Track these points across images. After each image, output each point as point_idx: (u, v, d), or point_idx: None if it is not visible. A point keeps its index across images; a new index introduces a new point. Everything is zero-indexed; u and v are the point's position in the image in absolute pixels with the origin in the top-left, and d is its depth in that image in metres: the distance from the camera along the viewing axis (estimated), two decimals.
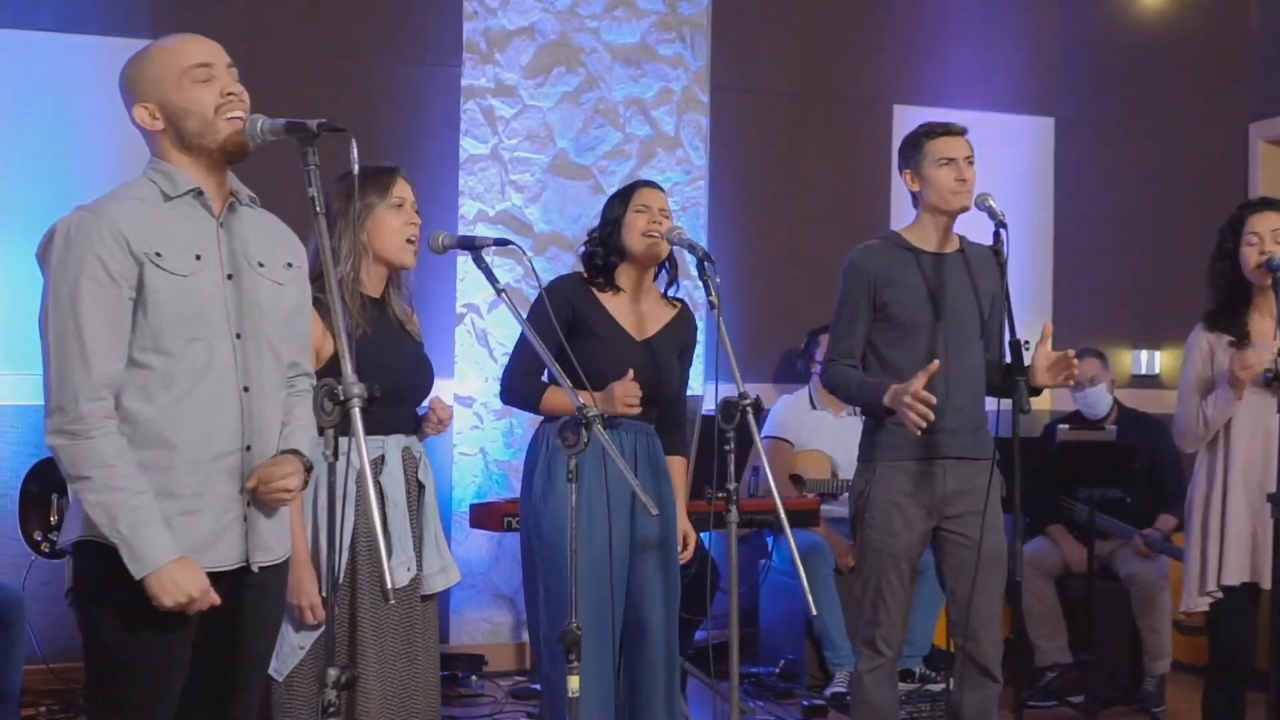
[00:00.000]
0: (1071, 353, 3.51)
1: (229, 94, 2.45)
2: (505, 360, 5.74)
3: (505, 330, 5.82)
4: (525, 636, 5.78)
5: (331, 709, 2.26)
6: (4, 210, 5.08)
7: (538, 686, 5.18)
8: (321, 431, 2.26)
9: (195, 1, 5.26)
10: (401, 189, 3.13)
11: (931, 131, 3.63)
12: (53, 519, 4.70)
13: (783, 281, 6.13)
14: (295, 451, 2.55)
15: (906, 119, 6.38)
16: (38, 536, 4.68)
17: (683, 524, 3.68)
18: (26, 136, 5.16)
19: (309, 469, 2.56)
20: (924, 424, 3.39)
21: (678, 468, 3.72)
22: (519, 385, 3.61)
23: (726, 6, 6.17)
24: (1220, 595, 3.78)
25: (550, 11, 5.92)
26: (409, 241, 3.12)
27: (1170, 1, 6.51)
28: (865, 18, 6.40)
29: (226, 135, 2.44)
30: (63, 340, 2.34)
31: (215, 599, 2.41)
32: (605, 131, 5.99)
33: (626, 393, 3.40)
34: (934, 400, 3.41)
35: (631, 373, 3.42)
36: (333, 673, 2.27)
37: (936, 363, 3.45)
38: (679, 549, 3.63)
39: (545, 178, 5.91)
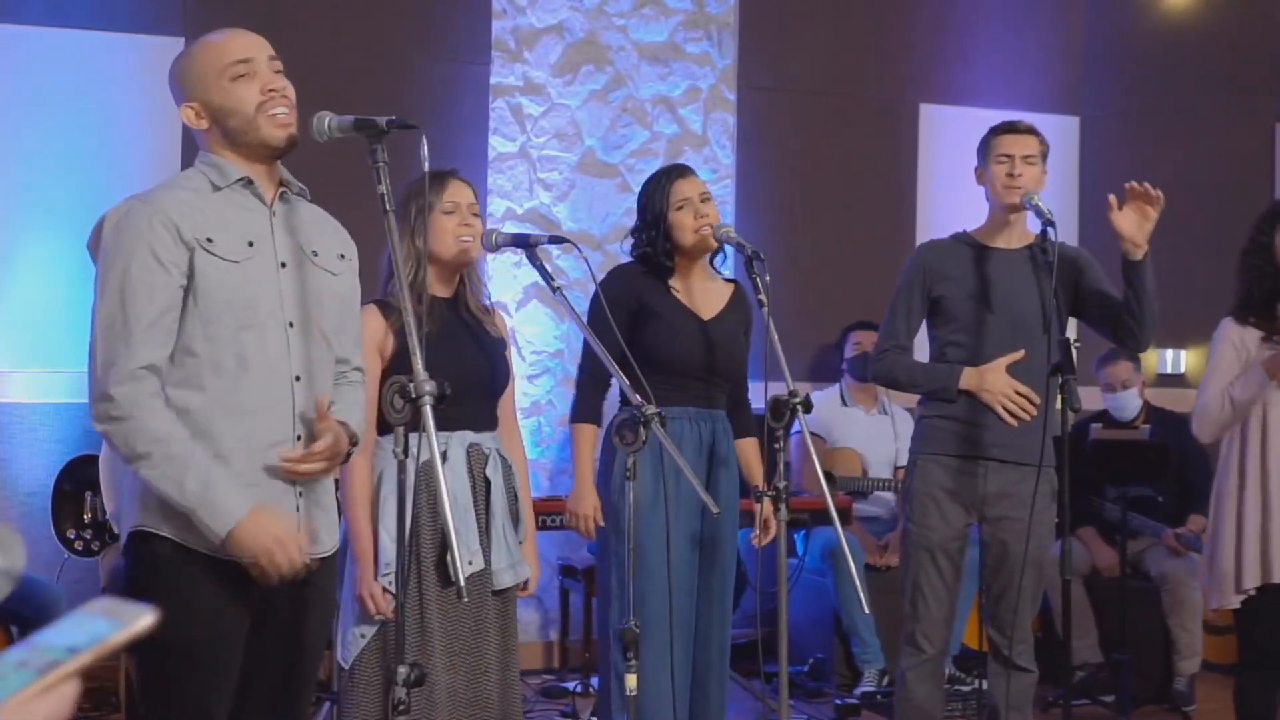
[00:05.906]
0: (1143, 185, 3.42)
1: (270, 90, 2.42)
2: (534, 358, 5.84)
3: (534, 329, 5.82)
4: (553, 635, 5.78)
5: (401, 706, 2.25)
6: (35, 208, 5.06)
7: (568, 685, 5.21)
8: (392, 428, 2.26)
9: None
10: (455, 192, 3.14)
11: (996, 129, 3.70)
12: (85, 517, 4.69)
13: (810, 280, 6.11)
14: (342, 423, 2.49)
15: (932, 118, 6.39)
16: (71, 534, 4.68)
17: (765, 509, 3.43)
18: (57, 133, 5.13)
19: (353, 442, 2.51)
20: (1026, 416, 3.49)
21: (750, 449, 3.68)
22: (582, 398, 3.62)
23: (754, 5, 6.16)
24: (1254, 593, 3.73)
25: (578, 10, 5.91)
26: (465, 241, 3.12)
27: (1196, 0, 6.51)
28: (892, 17, 6.39)
29: (269, 134, 2.41)
30: (109, 325, 2.32)
31: (299, 550, 2.35)
32: (633, 130, 5.99)
33: None
34: (1036, 398, 3.48)
35: None
36: (402, 670, 2.27)
37: (1023, 351, 3.52)
38: (754, 534, 3.57)
39: (573, 176, 5.90)
